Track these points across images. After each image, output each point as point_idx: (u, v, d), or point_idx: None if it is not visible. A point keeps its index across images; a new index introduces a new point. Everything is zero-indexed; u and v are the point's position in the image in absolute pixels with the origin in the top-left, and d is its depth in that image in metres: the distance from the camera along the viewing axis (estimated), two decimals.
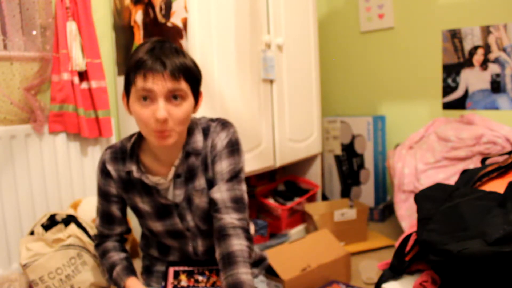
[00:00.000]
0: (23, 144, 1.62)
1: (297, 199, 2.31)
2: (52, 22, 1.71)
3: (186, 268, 1.14)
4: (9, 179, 1.58)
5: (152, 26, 1.80)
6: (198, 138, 1.07)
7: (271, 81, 2.03)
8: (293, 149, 2.20)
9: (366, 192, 2.72)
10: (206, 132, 1.09)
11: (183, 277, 1.11)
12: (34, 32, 1.67)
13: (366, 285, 1.78)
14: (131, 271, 1.11)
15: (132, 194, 1.11)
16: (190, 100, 0.98)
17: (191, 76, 0.97)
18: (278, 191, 2.42)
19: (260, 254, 1.29)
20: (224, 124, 1.10)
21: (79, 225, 1.54)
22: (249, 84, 1.88)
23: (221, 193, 1.05)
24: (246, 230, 1.03)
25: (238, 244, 0.98)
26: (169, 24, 1.73)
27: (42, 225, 1.54)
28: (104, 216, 1.16)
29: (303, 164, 2.49)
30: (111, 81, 2.04)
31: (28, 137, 1.64)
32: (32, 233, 1.55)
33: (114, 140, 1.93)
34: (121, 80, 2.00)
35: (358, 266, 1.95)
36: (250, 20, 1.88)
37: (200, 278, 1.10)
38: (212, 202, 1.06)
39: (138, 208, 1.12)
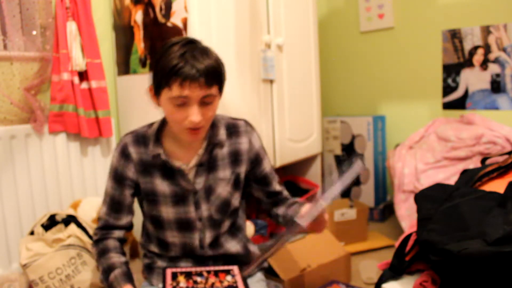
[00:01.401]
0: (23, 144, 1.62)
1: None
2: (52, 22, 1.71)
3: (183, 270, 1.13)
4: (9, 179, 1.58)
5: (152, 26, 1.80)
6: (222, 132, 1.16)
7: (271, 81, 2.03)
8: (293, 149, 2.20)
9: (366, 192, 2.72)
10: (231, 128, 1.19)
11: (181, 278, 1.10)
12: (34, 32, 1.67)
13: (366, 285, 1.78)
14: (129, 278, 1.09)
15: (152, 177, 1.13)
16: (218, 99, 1.07)
17: (221, 78, 1.05)
18: None
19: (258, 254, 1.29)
20: (251, 125, 1.23)
21: (79, 225, 1.53)
22: (249, 84, 1.88)
23: (278, 184, 1.28)
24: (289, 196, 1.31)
25: (297, 199, 1.27)
26: (169, 24, 1.73)
27: (42, 225, 1.54)
28: (113, 203, 1.15)
29: (303, 164, 2.49)
30: (111, 81, 2.04)
31: (28, 137, 1.64)
32: (32, 233, 1.55)
33: (114, 140, 1.93)
34: (121, 80, 2.01)
35: (358, 266, 1.95)
36: (250, 20, 1.88)
37: (198, 279, 1.10)
38: (273, 193, 1.26)
39: (155, 191, 1.13)
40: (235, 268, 1.14)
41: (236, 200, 1.21)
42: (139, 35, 1.88)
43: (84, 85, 1.78)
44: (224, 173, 1.16)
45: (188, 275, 1.11)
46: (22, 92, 1.65)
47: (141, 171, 1.14)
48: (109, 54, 2.02)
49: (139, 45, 1.88)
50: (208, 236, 1.17)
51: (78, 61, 1.73)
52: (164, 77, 0.99)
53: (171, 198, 1.13)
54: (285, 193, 1.30)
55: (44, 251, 1.45)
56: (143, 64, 1.87)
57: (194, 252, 1.18)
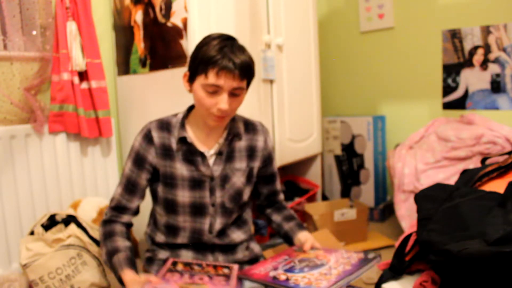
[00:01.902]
0: (23, 144, 1.62)
1: (297, 199, 2.31)
2: (52, 22, 1.71)
3: (184, 260, 1.18)
4: (9, 179, 1.58)
5: (152, 26, 1.81)
6: (240, 126, 1.27)
7: (271, 81, 2.03)
8: (293, 149, 2.20)
9: (366, 192, 2.72)
10: (248, 125, 1.30)
11: (180, 265, 1.14)
12: (34, 32, 1.67)
13: (366, 285, 1.78)
14: (132, 263, 1.12)
15: (171, 162, 1.20)
16: (245, 92, 1.17)
17: (252, 74, 1.15)
18: None
19: (260, 254, 1.30)
20: (266, 127, 1.34)
21: (79, 225, 1.53)
22: None
23: (279, 185, 1.39)
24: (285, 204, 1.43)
25: (291, 211, 1.40)
26: (169, 24, 1.73)
27: (42, 225, 1.54)
28: (129, 184, 1.21)
29: (303, 164, 2.49)
30: (111, 81, 2.04)
31: (28, 137, 1.64)
32: (32, 233, 1.55)
33: (114, 140, 1.93)
34: (121, 80, 2.01)
35: None
36: (250, 20, 1.88)
37: (196, 267, 1.14)
38: (273, 193, 1.37)
39: (174, 175, 1.20)
40: (235, 266, 1.16)
41: (246, 194, 1.28)
42: (139, 35, 1.88)
43: (84, 85, 1.78)
44: (241, 164, 1.24)
45: (187, 264, 1.15)
46: (22, 92, 1.65)
47: (161, 155, 1.20)
48: (109, 54, 2.02)
49: (139, 45, 1.88)
50: (218, 223, 1.23)
51: (78, 61, 1.73)
52: (202, 65, 1.08)
53: (188, 182, 1.20)
54: (281, 196, 1.41)
55: (44, 251, 1.46)
56: (143, 64, 1.87)
57: (201, 238, 1.23)
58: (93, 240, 1.52)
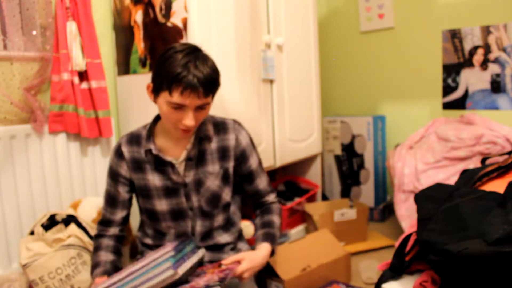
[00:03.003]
0: (23, 144, 1.62)
1: (297, 199, 2.31)
2: (52, 22, 1.71)
3: None
4: (9, 179, 1.58)
5: (152, 26, 1.81)
6: (209, 127, 1.24)
7: (271, 81, 2.03)
8: (293, 149, 2.20)
9: (366, 192, 2.72)
10: (219, 125, 1.26)
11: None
12: (34, 32, 1.67)
13: (366, 285, 1.78)
14: (107, 274, 1.17)
15: (144, 174, 1.22)
16: (210, 104, 1.16)
17: (216, 86, 1.14)
18: (278, 191, 2.42)
19: None
20: (240, 123, 1.30)
21: (79, 225, 1.53)
22: (249, 84, 1.88)
23: (262, 184, 1.32)
24: (279, 202, 1.37)
25: (277, 217, 1.31)
26: (169, 24, 1.73)
27: (42, 225, 1.54)
28: (109, 198, 1.26)
29: (303, 164, 2.49)
30: (111, 81, 2.04)
31: (28, 137, 1.64)
32: (32, 233, 1.55)
33: (114, 140, 1.93)
34: (121, 80, 2.00)
35: (358, 266, 1.95)
36: (250, 20, 1.88)
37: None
38: (255, 193, 1.32)
39: (148, 186, 1.22)
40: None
41: (227, 195, 1.28)
42: (139, 35, 1.88)
43: (84, 85, 1.78)
44: (213, 167, 1.23)
45: None
46: (22, 92, 1.65)
47: (133, 168, 1.23)
48: (109, 54, 2.02)
49: (139, 45, 1.88)
50: (199, 225, 1.25)
51: (78, 61, 1.73)
52: (166, 82, 1.07)
53: (163, 191, 1.21)
54: (270, 197, 1.35)
55: (44, 251, 1.45)
56: (143, 64, 1.87)
57: None
58: (93, 240, 1.52)
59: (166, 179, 1.21)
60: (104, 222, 1.28)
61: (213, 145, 1.24)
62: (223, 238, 1.29)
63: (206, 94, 1.09)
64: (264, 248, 1.20)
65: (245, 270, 1.11)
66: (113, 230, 1.27)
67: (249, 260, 1.13)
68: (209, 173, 1.23)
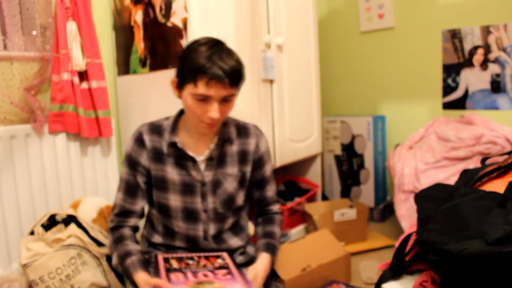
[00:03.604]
0: (23, 144, 1.62)
1: (297, 199, 2.31)
2: (52, 22, 1.71)
3: (175, 255, 1.17)
4: (9, 179, 1.58)
5: (152, 26, 1.81)
6: (232, 130, 1.24)
7: (271, 81, 2.03)
8: (293, 149, 2.20)
9: (366, 192, 2.72)
10: (241, 129, 1.26)
11: (173, 262, 1.14)
12: (34, 32, 1.67)
13: (366, 285, 1.78)
14: (144, 266, 1.13)
15: (163, 165, 1.19)
16: (236, 97, 1.15)
17: (241, 78, 1.13)
18: (278, 191, 2.42)
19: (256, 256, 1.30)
20: (260, 130, 1.31)
21: (79, 225, 1.53)
22: (249, 84, 1.88)
23: (271, 192, 1.32)
24: (281, 213, 1.35)
25: (278, 229, 1.30)
26: (169, 24, 1.73)
27: (42, 225, 1.54)
28: (129, 188, 1.21)
29: (303, 164, 2.49)
30: (111, 81, 2.04)
31: (28, 137, 1.64)
32: (32, 233, 1.55)
33: (114, 140, 1.93)
34: (121, 80, 2.01)
35: (358, 266, 1.95)
36: (250, 20, 1.88)
37: (190, 262, 1.13)
38: (262, 200, 1.31)
39: (165, 179, 1.19)
40: (224, 254, 1.18)
41: (240, 199, 1.26)
42: (139, 35, 1.88)
43: (84, 85, 1.78)
44: (232, 169, 1.22)
45: (179, 259, 1.14)
46: (22, 92, 1.65)
47: (153, 158, 1.19)
48: (109, 54, 2.02)
49: (139, 45, 1.88)
50: (212, 229, 1.22)
51: (78, 61, 1.73)
52: (191, 74, 1.06)
53: (179, 187, 1.18)
54: (275, 207, 1.34)
55: (44, 251, 1.45)
56: (143, 64, 1.87)
57: (197, 244, 1.22)
58: (93, 240, 1.52)
59: (185, 174, 1.18)
60: (123, 213, 1.21)
61: (234, 147, 1.23)
62: (234, 242, 1.27)
63: (232, 85, 1.08)
64: (265, 259, 1.19)
65: None
66: (133, 221, 1.22)
67: (255, 277, 1.14)
68: (228, 175, 1.21)
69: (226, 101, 1.10)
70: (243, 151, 1.24)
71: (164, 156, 1.19)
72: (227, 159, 1.22)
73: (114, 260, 1.17)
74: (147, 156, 1.19)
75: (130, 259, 1.12)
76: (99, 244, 1.53)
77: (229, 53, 1.11)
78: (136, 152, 1.20)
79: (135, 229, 1.24)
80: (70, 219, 1.54)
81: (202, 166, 1.20)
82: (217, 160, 1.21)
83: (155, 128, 1.21)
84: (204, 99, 1.07)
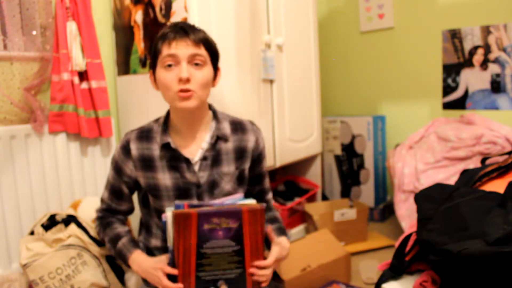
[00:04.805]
0: (23, 144, 1.62)
1: (297, 199, 2.31)
2: (52, 22, 1.71)
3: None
4: (9, 179, 1.58)
5: (152, 26, 1.80)
6: (226, 126, 1.19)
7: (271, 81, 2.03)
8: (293, 149, 2.20)
9: (366, 192, 2.72)
10: (236, 125, 1.22)
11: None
12: (34, 32, 1.67)
13: (366, 285, 1.78)
14: (136, 244, 1.14)
15: (153, 172, 1.15)
16: (210, 68, 1.10)
17: (211, 46, 1.10)
18: (278, 191, 2.42)
19: None
20: (256, 125, 1.28)
21: (79, 225, 1.53)
22: (249, 84, 1.88)
23: (266, 184, 1.32)
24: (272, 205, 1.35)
25: (279, 215, 1.32)
26: (169, 24, 1.73)
27: (42, 225, 1.54)
28: (114, 191, 1.22)
29: (303, 164, 2.49)
30: (111, 81, 2.04)
31: (28, 137, 1.64)
32: (32, 233, 1.55)
33: (114, 140, 1.93)
34: (121, 80, 2.01)
35: (358, 266, 1.95)
36: (250, 20, 1.88)
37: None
38: (260, 192, 1.30)
39: (158, 186, 1.15)
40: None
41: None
42: (139, 35, 1.88)
43: (84, 85, 1.78)
44: (229, 168, 1.18)
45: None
46: (22, 92, 1.65)
47: (141, 167, 1.16)
48: (109, 54, 2.02)
49: (139, 45, 1.88)
50: None
51: (78, 61, 1.73)
52: (157, 45, 1.07)
53: (173, 192, 1.15)
54: (269, 195, 1.35)
55: (44, 251, 1.45)
56: (143, 64, 1.87)
57: None
58: (93, 240, 1.52)
59: (178, 177, 1.14)
60: (109, 210, 1.24)
61: (230, 144, 1.18)
62: None
63: (196, 43, 1.06)
64: (286, 241, 1.19)
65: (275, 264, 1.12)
66: (119, 217, 1.25)
67: (280, 254, 1.14)
68: (224, 174, 1.17)
69: (196, 64, 1.07)
70: (240, 147, 1.20)
71: (153, 163, 1.15)
72: (223, 157, 1.17)
73: (106, 244, 1.20)
74: (133, 166, 1.16)
75: (121, 242, 1.14)
76: (99, 244, 1.53)
77: (194, 26, 1.11)
78: (122, 160, 1.18)
79: (123, 221, 1.27)
80: (70, 219, 1.54)
81: (196, 167, 1.16)
82: (212, 159, 1.16)
83: (144, 133, 1.18)
84: (172, 64, 1.05)
